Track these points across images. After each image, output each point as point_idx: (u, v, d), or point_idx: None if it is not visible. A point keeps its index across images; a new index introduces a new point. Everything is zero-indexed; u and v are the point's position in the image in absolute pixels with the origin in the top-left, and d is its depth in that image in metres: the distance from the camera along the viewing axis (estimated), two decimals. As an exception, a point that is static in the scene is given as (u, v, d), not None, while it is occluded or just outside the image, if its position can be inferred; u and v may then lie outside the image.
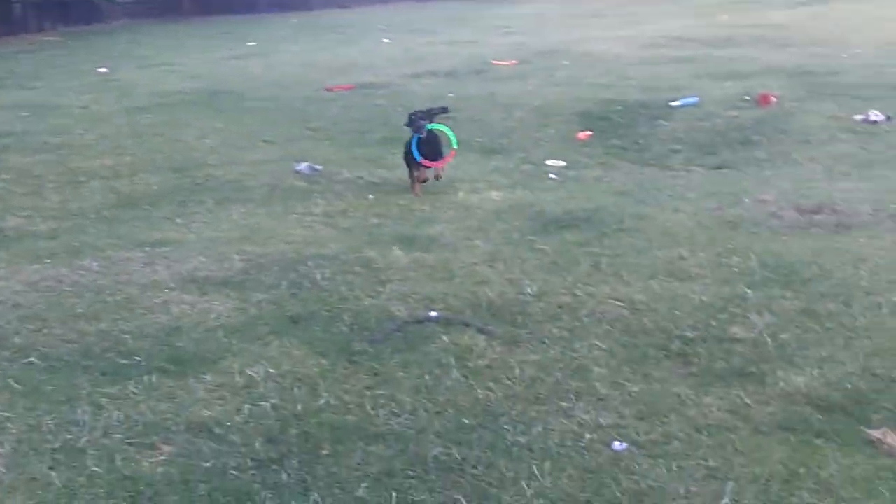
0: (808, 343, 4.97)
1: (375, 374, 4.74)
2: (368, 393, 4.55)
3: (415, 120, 8.46)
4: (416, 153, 8.39)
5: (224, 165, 9.92)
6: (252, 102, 14.05)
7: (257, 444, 4.08)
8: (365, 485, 3.77)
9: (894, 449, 3.99)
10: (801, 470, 3.84)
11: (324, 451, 4.03)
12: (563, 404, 4.41)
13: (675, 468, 3.86)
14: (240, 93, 14.89)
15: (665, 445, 4.05)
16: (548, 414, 4.33)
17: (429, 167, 8.50)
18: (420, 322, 5.33)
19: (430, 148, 8.45)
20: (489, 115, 12.27)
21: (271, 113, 13.15)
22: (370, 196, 8.50)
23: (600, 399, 4.46)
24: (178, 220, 7.86)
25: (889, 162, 9.54)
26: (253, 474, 3.87)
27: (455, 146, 8.58)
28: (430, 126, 8.43)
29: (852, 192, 8.04)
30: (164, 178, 9.46)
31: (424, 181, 8.57)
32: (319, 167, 9.59)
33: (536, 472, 3.83)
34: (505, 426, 4.22)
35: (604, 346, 4.99)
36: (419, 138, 8.40)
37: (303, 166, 9.56)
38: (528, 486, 3.74)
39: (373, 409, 4.39)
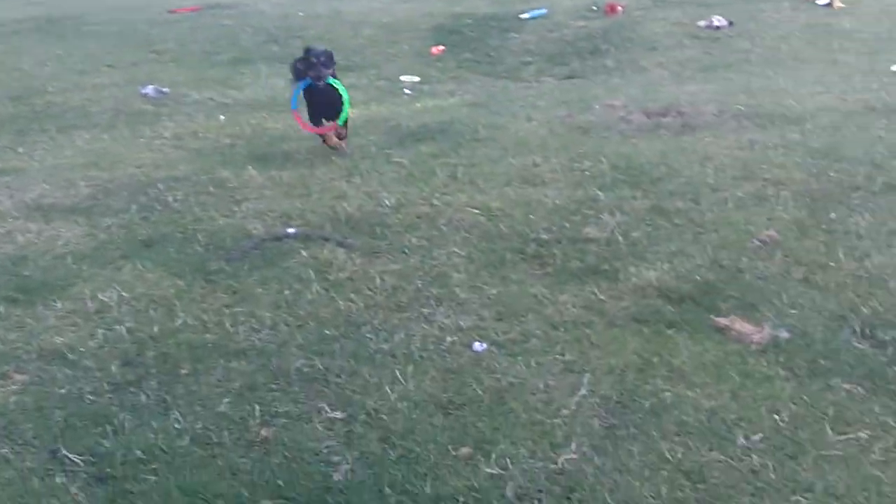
0: (658, 239, 5.12)
1: (234, 293, 4.67)
2: (227, 311, 4.48)
3: (315, 64, 6.49)
4: (294, 101, 6.82)
5: (66, 92, 9.53)
6: (93, 27, 13.48)
7: (113, 368, 3.99)
8: (227, 400, 3.74)
9: (742, 335, 4.16)
10: (655, 359, 3.97)
11: (183, 371, 3.97)
12: (424, 310, 4.44)
13: (533, 364, 3.95)
14: (79, 17, 14.26)
15: (524, 343, 4.13)
16: (409, 320, 4.35)
17: (305, 129, 6.91)
18: (278, 239, 5.27)
19: (325, 103, 6.67)
20: (338, 33, 12.09)
21: (113, 37, 12.66)
22: (221, 117, 8.30)
23: (460, 303, 4.51)
24: (20, 150, 7.53)
25: (731, 65, 9.83)
26: (110, 398, 3.79)
27: (341, 122, 6.72)
28: (331, 81, 6.56)
29: (697, 94, 8.26)
30: (2, 107, 9.03)
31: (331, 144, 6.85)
32: (166, 90, 9.31)
33: (399, 376, 3.86)
34: (367, 335, 4.23)
35: (462, 253, 5.03)
36: (309, 86, 6.62)
37: (149, 89, 9.27)
38: (391, 390, 3.76)
39: (232, 326, 4.33)
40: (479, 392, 3.75)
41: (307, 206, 5.75)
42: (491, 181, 6.07)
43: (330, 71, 6.51)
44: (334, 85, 6.53)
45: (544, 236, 5.19)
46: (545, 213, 5.50)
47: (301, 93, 6.75)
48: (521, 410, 3.62)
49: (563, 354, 4.02)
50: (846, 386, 3.70)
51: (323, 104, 6.69)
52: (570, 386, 3.77)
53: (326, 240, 5.21)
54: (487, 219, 5.45)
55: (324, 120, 6.78)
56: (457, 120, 7.71)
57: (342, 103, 6.56)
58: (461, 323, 4.30)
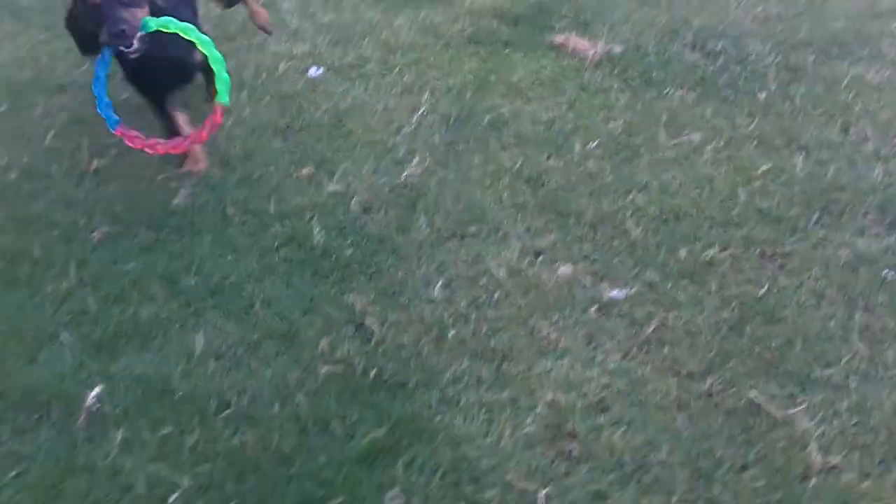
0: (491, -36, 5.01)
1: (47, 29, 4.37)
2: (43, 48, 4.21)
3: (112, 18, 2.82)
4: (101, 104, 2.96)
5: None
6: None
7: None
8: (52, 134, 3.56)
9: (577, 51, 4.17)
10: (492, 77, 3.96)
11: (1, 109, 3.75)
12: (254, 40, 4.27)
13: (372, 87, 3.88)
14: None
15: (361, 68, 4.04)
16: (238, 50, 4.20)
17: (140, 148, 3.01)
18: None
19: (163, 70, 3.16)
20: None
21: None
22: None
23: (292, 31, 4.35)
24: None
25: None
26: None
27: (225, 99, 2.89)
28: (154, 24, 2.89)
29: None
30: None
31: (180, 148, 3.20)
32: None
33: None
34: (196, 66, 4.05)
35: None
36: (120, 58, 3.05)
37: None
38: (226, 117, 3.64)
39: (50, 63, 4.08)
40: (318, 115, 3.68)
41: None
42: None
43: (144, 10, 2.90)
44: (169, 28, 2.90)
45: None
46: (375, -59, 5.28)
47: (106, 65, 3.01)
48: (360, 131, 3.58)
49: (401, 76, 3.96)
50: (679, 93, 3.80)
51: (161, 72, 3.19)
52: (409, 106, 3.74)
53: None
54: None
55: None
56: None
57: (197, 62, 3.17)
58: (294, 50, 4.17)
